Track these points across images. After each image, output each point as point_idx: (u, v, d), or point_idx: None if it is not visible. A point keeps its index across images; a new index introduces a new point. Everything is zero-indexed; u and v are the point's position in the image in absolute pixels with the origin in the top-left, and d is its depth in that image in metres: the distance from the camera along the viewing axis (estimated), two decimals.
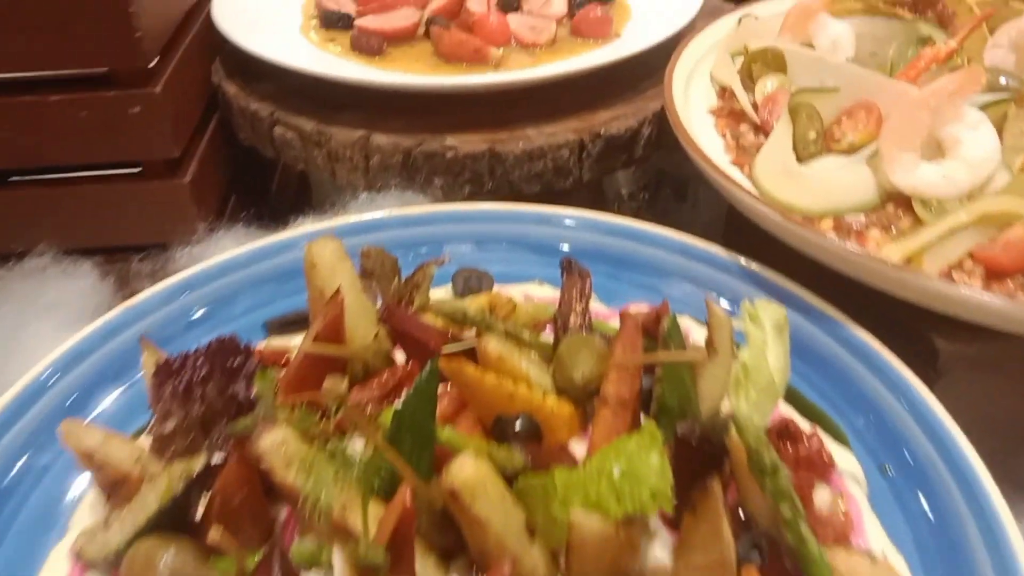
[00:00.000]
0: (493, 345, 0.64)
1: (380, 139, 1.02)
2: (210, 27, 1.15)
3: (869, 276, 0.73)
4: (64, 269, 1.07)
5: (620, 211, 1.28)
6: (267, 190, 1.25)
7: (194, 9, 1.20)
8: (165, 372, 0.65)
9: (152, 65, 1.03)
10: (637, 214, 1.28)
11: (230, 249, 1.10)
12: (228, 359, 0.65)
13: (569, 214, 0.89)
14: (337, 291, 0.68)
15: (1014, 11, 1.01)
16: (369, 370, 0.69)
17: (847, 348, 0.73)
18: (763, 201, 0.78)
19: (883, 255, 0.74)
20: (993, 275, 0.74)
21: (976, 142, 0.81)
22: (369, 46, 1.13)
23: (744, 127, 0.95)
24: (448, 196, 1.03)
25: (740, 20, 1.08)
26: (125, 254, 1.15)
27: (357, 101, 1.05)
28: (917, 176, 0.81)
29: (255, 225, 1.10)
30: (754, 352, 0.59)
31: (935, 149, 0.83)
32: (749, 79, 1.03)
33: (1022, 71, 0.94)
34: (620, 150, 1.05)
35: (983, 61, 0.98)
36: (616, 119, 1.05)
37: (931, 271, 0.74)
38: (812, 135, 0.88)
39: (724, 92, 1.03)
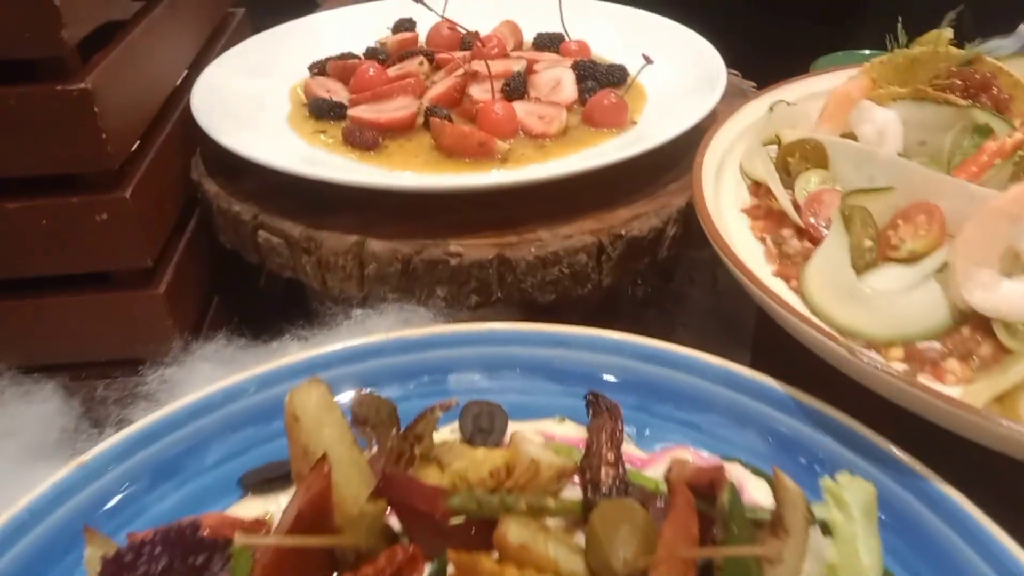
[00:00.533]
0: (514, 533, 0.52)
1: (376, 246, 0.91)
2: (188, 119, 1.05)
3: (957, 426, 0.62)
4: (25, 390, 0.95)
5: (633, 297, 1.19)
6: (253, 292, 1.14)
7: (171, 100, 1.11)
8: (115, 567, 0.53)
9: (121, 165, 0.93)
10: (651, 299, 1.18)
11: (208, 370, 0.99)
12: (189, 555, 0.53)
13: (591, 335, 0.78)
14: (322, 459, 0.56)
15: None
16: (361, 554, 0.57)
17: (936, 512, 0.61)
18: (825, 332, 0.67)
19: (969, 399, 0.63)
20: None
21: None
22: (363, 140, 1.03)
23: (786, 231, 0.85)
24: (452, 307, 0.92)
25: (772, 107, 0.98)
26: (93, 370, 1.04)
27: (350, 200, 0.95)
28: (999, 296, 0.70)
29: (239, 336, 0.99)
30: (844, 547, 0.48)
31: (1013, 261, 0.72)
32: (785, 173, 0.92)
33: None
34: (643, 252, 0.95)
35: None
36: (638, 218, 0.95)
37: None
38: (868, 243, 0.78)
39: (758, 188, 0.92)
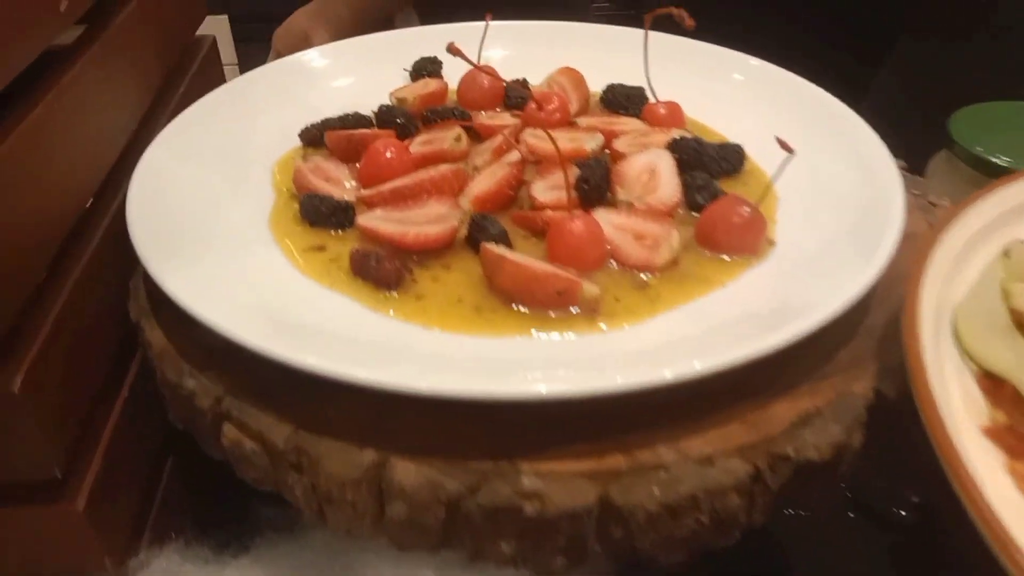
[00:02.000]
0: None
1: (404, 471, 0.58)
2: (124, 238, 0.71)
3: None
4: None
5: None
6: (216, 486, 0.80)
7: (104, 188, 0.76)
8: None
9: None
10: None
11: None
12: None
13: None
14: None
15: None
16: None
17: None
18: None
19: None
20: None
21: None
22: (381, 273, 0.69)
23: None
24: (525, 568, 0.59)
25: (1007, 251, 0.65)
26: None
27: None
28: None
29: (197, 543, 0.67)
30: None
31: None
32: None
33: None
34: (814, 477, 0.62)
35: None
36: (807, 422, 0.62)
37: None
38: None
39: (999, 390, 0.60)
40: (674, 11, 0.84)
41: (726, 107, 0.95)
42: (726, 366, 0.58)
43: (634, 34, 1.01)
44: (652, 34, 0.93)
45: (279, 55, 1.53)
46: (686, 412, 0.61)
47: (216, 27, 2.81)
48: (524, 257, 0.68)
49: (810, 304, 0.64)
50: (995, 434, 0.57)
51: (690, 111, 0.94)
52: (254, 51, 1.57)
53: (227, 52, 2.83)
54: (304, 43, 1.50)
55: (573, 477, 0.58)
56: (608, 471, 0.58)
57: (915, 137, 1.04)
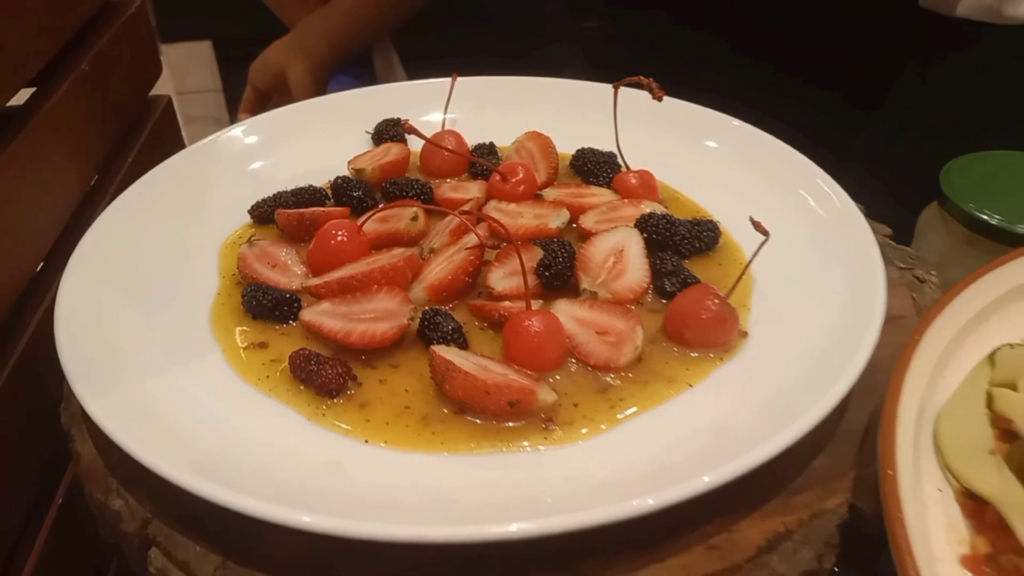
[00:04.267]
0: None
1: None
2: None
3: None
4: None
5: None
6: None
7: (35, 292, 0.72)
8: None
9: None
10: None
11: None
12: None
13: None
14: None
15: None
16: None
17: None
18: None
19: None
20: None
21: None
22: (322, 380, 0.64)
23: None
24: None
25: (993, 356, 0.60)
26: None
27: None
28: None
29: None
30: None
31: None
32: None
33: None
34: None
35: None
36: (776, 546, 0.57)
37: None
38: None
39: (983, 513, 0.55)
40: (644, 80, 0.79)
41: (702, 174, 0.90)
42: (688, 495, 0.53)
43: (608, 91, 0.97)
44: (631, 92, 0.88)
45: (256, 89, 1.49)
46: (647, 537, 0.57)
47: (200, 53, 2.78)
48: (476, 364, 0.63)
49: (784, 414, 0.59)
50: (973, 565, 0.52)
51: (664, 176, 0.90)
52: (242, 72, 1.53)
53: (211, 79, 2.79)
54: (280, 77, 1.46)
55: None
56: None
57: (907, 186, 0.99)
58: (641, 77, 0.79)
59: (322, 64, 1.46)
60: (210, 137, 0.93)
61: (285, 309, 0.72)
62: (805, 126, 0.93)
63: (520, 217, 0.80)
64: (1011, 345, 0.61)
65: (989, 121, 1.11)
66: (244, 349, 0.70)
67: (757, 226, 0.67)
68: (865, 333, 0.63)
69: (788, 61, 1.31)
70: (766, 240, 0.68)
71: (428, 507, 0.56)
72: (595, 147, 0.91)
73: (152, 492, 0.61)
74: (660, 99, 0.79)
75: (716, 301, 0.68)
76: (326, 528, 0.51)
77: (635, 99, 0.90)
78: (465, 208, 0.82)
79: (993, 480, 0.55)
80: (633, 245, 0.76)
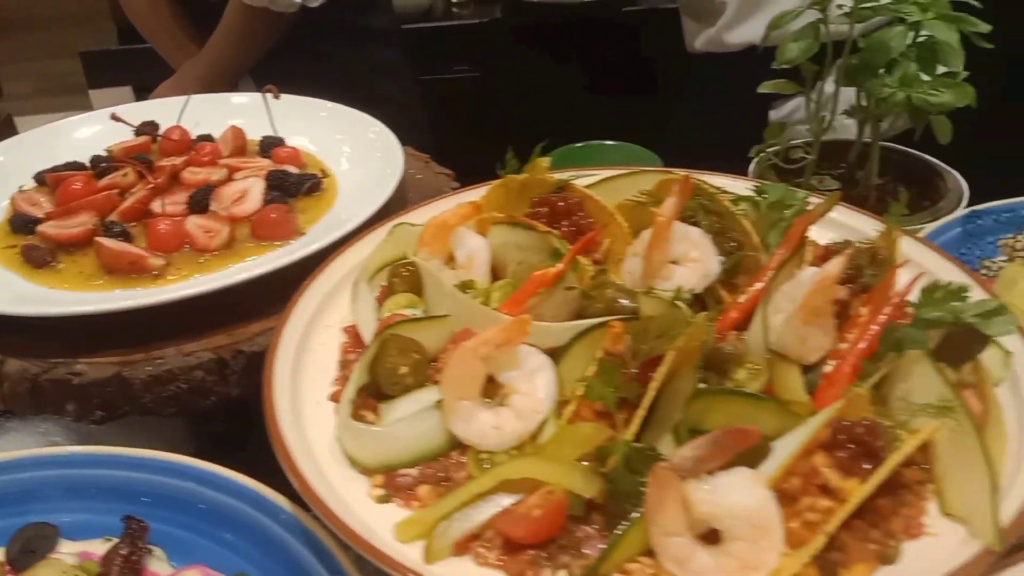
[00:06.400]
0: None
1: (12, 366, 0.99)
2: None
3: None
4: None
5: None
6: None
7: None
8: None
9: None
10: None
11: None
12: None
13: (130, 456, 0.87)
14: None
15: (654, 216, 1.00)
16: None
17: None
18: None
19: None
20: (510, 548, 0.71)
21: (529, 390, 0.79)
22: (34, 258, 1.11)
23: None
24: (79, 421, 1.00)
25: (393, 229, 1.06)
26: None
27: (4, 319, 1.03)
28: (472, 426, 0.78)
29: None
30: None
31: (495, 391, 0.81)
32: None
33: (644, 280, 0.93)
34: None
35: (622, 270, 0.98)
36: (264, 332, 1.03)
37: (446, 542, 0.71)
38: (404, 370, 0.86)
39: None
40: (270, 87, 1.27)
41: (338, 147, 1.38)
42: (205, 290, 1.00)
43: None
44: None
45: None
46: (187, 329, 1.02)
47: (122, 96, 3.27)
48: (117, 243, 1.10)
49: (295, 251, 1.06)
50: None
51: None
52: None
53: None
54: None
55: (104, 364, 0.99)
56: (126, 361, 0.99)
57: None
58: (269, 86, 1.28)
59: None
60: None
61: (32, 225, 1.18)
62: None
63: (197, 173, 1.27)
64: (411, 224, 1.07)
65: None
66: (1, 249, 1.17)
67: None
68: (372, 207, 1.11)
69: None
70: (275, 97, 1.15)
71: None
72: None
73: None
74: (277, 99, 1.27)
75: (283, 208, 1.15)
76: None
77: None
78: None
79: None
80: (257, 186, 1.23)
